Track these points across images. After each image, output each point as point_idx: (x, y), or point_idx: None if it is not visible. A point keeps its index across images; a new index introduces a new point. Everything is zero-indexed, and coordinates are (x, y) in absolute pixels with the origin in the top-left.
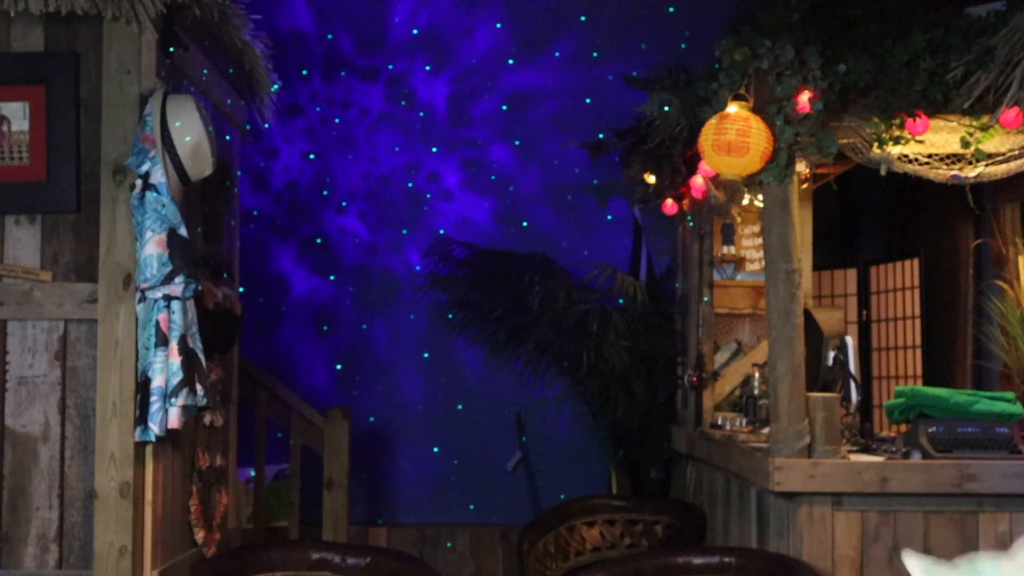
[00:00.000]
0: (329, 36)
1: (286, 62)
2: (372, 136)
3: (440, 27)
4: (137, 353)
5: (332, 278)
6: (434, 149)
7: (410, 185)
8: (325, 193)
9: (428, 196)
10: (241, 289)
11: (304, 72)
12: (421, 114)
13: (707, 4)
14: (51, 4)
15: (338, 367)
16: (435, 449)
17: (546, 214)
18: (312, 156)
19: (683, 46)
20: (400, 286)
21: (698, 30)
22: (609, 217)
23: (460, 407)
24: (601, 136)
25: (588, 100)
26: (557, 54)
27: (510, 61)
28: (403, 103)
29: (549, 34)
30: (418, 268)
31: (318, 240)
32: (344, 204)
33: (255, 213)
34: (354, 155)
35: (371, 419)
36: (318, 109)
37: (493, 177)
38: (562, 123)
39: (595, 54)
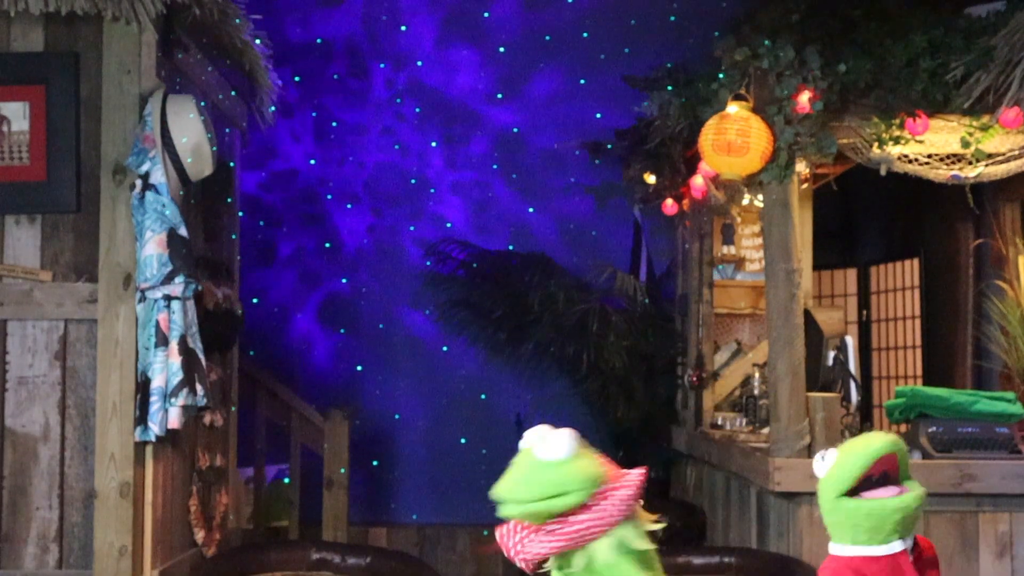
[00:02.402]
0: (316, 101)
1: (279, 132)
2: (372, 188)
3: (422, 73)
4: (137, 353)
5: (345, 280)
6: (433, 143)
7: (412, 185)
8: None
9: (432, 190)
10: (255, 301)
11: (297, 138)
12: (417, 113)
13: (707, 4)
14: (51, 4)
15: (359, 368)
16: (435, 449)
17: (546, 214)
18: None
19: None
20: (401, 289)
21: (698, 30)
22: (609, 217)
23: (460, 407)
24: (599, 114)
25: (585, 83)
26: (552, 42)
27: (501, 49)
28: (396, 147)
29: (541, 38)
30: (429, 263)
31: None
32: (348, 205)
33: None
34: (355, 204)
35: (406, 414)
36: (313, 161)
37: (495, 167)
38: (561, 124)
39: (585, 33)
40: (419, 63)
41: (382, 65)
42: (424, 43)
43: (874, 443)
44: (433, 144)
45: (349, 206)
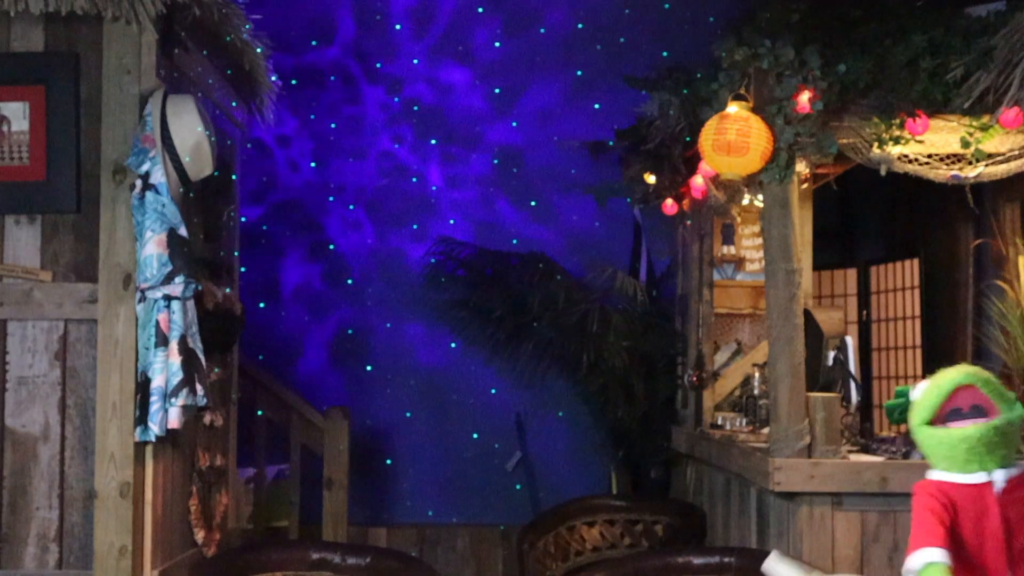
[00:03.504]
0: (312, 117)
1: (277, 164)
2: (374, 212)
3: (416, 92)
4: (137, 353)
5: (347, 282)
6: (433, 141)
7: (415, 204)
8: (332, 197)
9: (433, 193)
10: (262, 305)
11: (296, 168)
12: (414, 134)
13: (707, 4)
14: (51, 4)
15: (368, 368)
16: (435, 449)
17: (546, 214)
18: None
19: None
20: (400, 286)
21: (698, 30)
22: (609, 217)
23: (460, 407)
24: (597, 104)
25: (581, 74)
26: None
27: (496, 44)
28: (395, 161)
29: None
30: (433, 260)
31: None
32: (352, 208)
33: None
34: (359, 229)
35: (408, 414)
36: (313, 164)
37: (495, 161)
38: (562, 122)
39: (580, 24)
40: (412, 83)
41: (377, 65)
42: (416, 64)
43: (946, 377)
44: (433, 141)
45: (350, 216)
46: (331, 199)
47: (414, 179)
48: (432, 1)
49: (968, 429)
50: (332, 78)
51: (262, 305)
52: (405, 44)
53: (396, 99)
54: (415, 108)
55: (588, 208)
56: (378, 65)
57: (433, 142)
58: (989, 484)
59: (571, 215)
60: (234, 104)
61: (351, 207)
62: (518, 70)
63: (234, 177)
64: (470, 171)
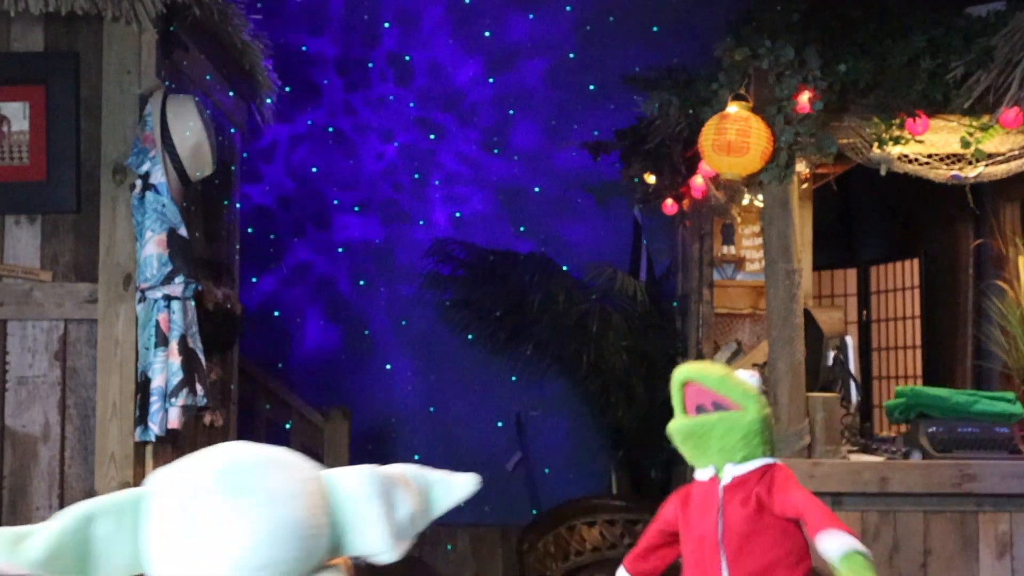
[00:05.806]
0: (312, 171)
1: (279, 223)
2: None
3: (409, 136)
4: (137, 353)
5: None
6: (432, 143)
7: (421, 240)
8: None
9: (435, 181)
10: (276, 313)
11: (302, 232)
12: (416, 175)
13: (707, 4)
14: (51, 4)
15: (383, 369)
16: (435, 449)
17: (546, 214)
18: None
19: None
20: (400, 286)
21: (697, 30)
22: (609, 217)
23: (460, 407)
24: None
25: (591, 88)
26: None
27: (486, 34)
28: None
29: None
30: (438, 258)
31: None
32: (357, 209)
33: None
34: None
35: (431, 409)
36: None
37: (495, 152)
38: (562, 121)
39: (568, 7)
40: (405, 129)
41: (368, 116)
42: (403, 107)
43: (676, 373)
44: (431, 141)
45: (362, 283)
46: (336, 201)
47: (415, 175)
48: (413, 40)
49: (672, 423)
50: (328, 131)
51: (276, 314)
52: (390, 88)
53: (391, 149)
54: (415, 171)
55: (588, 208)
56: (369, 116)
57: (431, 139)
58: (713, 480)
59: (571, 215)
60: (232, 94)
61: (356, 209)
62: (512, 85)
63: (233, 167)
64: (470, 174)
